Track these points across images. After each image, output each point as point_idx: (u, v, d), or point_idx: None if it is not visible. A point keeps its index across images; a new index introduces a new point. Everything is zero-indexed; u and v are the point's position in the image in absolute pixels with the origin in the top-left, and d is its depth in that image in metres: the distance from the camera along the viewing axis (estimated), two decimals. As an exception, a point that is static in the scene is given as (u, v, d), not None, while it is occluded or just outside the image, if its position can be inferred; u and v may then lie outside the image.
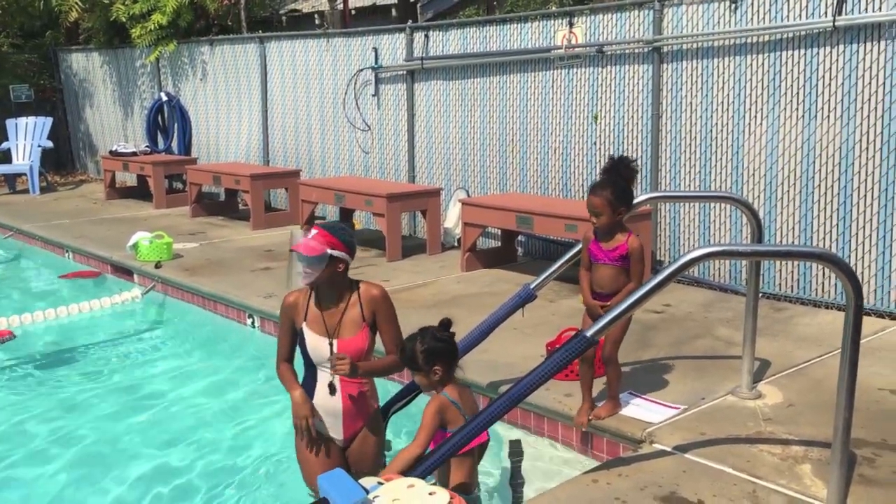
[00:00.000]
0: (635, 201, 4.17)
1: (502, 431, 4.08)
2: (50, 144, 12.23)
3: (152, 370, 5.43)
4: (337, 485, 2.41)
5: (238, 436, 4.39)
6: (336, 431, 3.39)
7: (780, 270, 5.82)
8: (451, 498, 2.45)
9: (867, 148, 5.32)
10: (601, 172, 3.85)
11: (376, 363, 3.43)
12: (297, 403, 3.33)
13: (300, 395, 3.35)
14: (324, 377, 3.34)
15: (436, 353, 3.11)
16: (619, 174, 3.65)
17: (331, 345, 3.32)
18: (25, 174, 11.98)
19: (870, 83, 5.27)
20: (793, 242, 5.70)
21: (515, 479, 3.77)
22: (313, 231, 3.29)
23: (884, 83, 5.21)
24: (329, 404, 3.36)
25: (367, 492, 2.44)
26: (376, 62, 8.52)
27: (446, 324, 3.16)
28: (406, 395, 3.95)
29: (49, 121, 12.35)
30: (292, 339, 3.45)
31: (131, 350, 5.85)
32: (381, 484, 2.55)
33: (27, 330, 6.14)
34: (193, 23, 11.18)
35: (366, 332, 3.36)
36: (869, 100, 5.28)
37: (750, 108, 5.85)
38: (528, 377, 3.11)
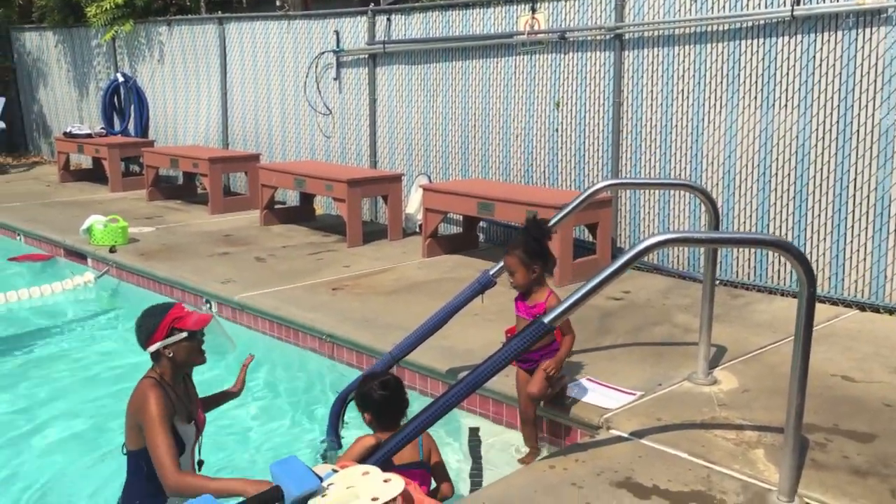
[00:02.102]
0: (594, 188, 4.19)
1: (461, 419, 4.08)
2: (2, 125, 11.92)
3: (106, 354, 5.32)
4: (290, 472, 2.37)
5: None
6: None
7: (738, 258, 5.88)
8: (406, 484, 2.43)
9: (823, 137, 5.39)
10: (519, 232, 3.90)
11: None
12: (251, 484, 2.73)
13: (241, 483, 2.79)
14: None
15: (367, 404, 3.15)
16: (530, 234, 3.69)
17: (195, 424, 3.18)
18: (-24, 155, 11.67)
19: (826, 73, 5.33)
20: (750, 230, 5.76)
21: (475, 466, 3.77)
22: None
23: (840, 73, 5.27)
24: None
25: (321, 479, 2.41)
26: (338, 45, 8.43)
27: (388, 383, 3.17)
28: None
29: (1, 101, 12.03)
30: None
31: (84, 335, 5.73)
32: (335, 471, 2.52)
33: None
34: (151, 2, 10.95)
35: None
36: (825, 89, 5.34)
37: (710, 97, 5.89)
38: (486, 363, 3.10)
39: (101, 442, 4.06)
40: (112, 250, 6.91)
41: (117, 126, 11.43)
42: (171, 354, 3.01)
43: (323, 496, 2.35)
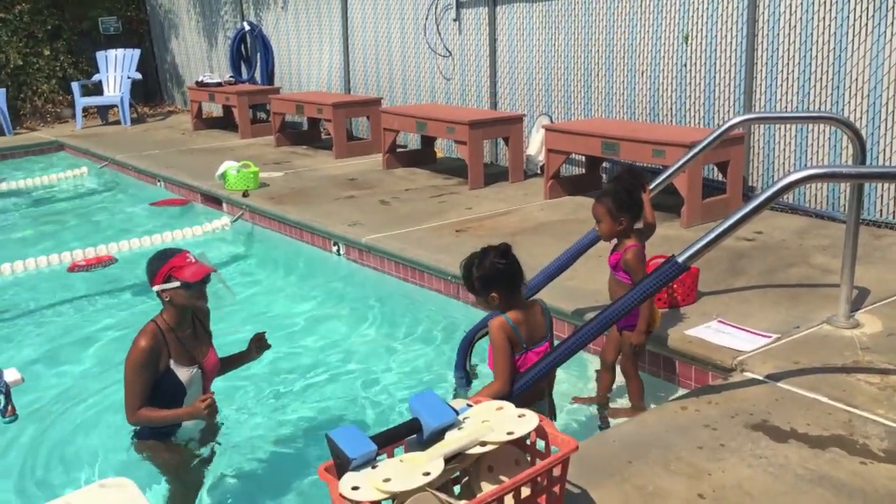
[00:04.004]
0: (728, 124, 4.04)
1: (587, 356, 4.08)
2: (139, 76, 12.51)
3: (246, 295, 5.60)
4: (428, 405, 2.44)
5: (328, 351, 4.53)
6: None
7: (882, 195, 5.54)
8: (540, 420, 2.46)
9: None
10: (609, 181, 3.77)
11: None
12: (194, 409, 3.12)
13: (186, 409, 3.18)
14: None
15: (492, 280, 3.03)
16: (622, 184, 3.60)
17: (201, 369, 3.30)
18: (117, 106, 12.32)
19: None
20: (896, 166, 5.41)
21: (604, 409, 3.79)
22: (193, 253, 3.25)
23: None
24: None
25: (458, 413, 2.47)
26: (457, -15, 8.35)
27: (504, 250, 3.05)
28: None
29: (137, 52, 12.60)
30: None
31: (224, 276, 6.03)
32: (470, 406, 2.57)
33: (124, 256, 6.39)
34: (273, -50, 11.14)
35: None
36: None
37: (855, 22, 5.51)
38: (617, 303, 3.08)
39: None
40: (245, 195, 7.21)
41: (245, 74, 11.80)
42: (168, 299, 3.18)
43: (459, 429, 2.41)
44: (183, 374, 3.21)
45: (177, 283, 3.14)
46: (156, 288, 3.19)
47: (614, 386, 3.90)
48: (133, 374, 3.12)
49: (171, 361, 3.19)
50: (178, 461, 3.31)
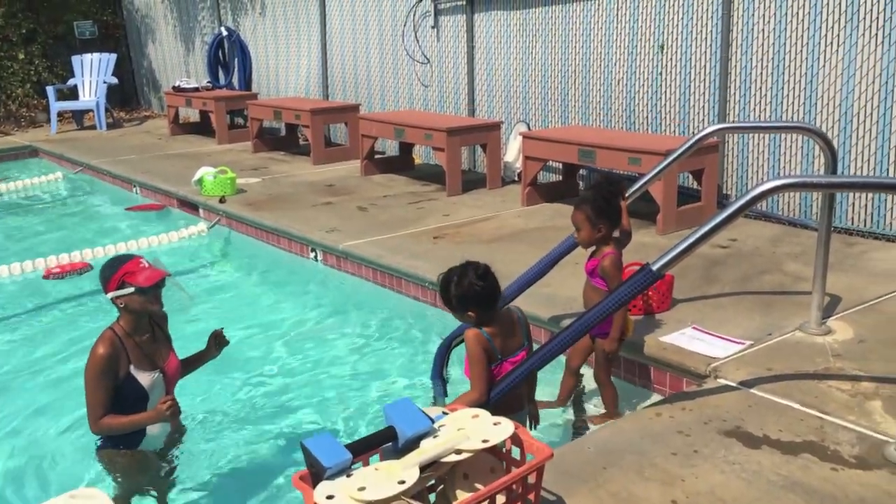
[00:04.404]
0: (703, 133, 4.08)
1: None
2: (115, 81, 12.42)
3: (222, 300, 5.57)
4: (403, 413, 2.44)
5: (303, 358, 4.51)
6: None
7: (854, 203, 5.63)
8: (516, 427, 2.48)
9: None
10: (587, 188, 3.88)
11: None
12: (156, 412, 3.13)
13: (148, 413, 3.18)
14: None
15: (469, 300, 3.03)
16: (601, 192, 3.63)
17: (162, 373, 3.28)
18: (92, 110, 12.22)
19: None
20: (867, 175, 5.49)
21: (578, 412, 3.81)
22: (147, 258, 3.25)
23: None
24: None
25: (433, 421, 2.48)
26: (435, -8, 8.38)
27: (483, 272, 3.04)
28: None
29: (113, 57, 12.51)
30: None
31: (200, 281, 6.01)
32: (445, 413, 2.58)
33: (99, 262, 6.29)
34: (252, -45, 11.12)
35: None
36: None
37: (826, 34, 5.59)
38: (593, 310, 3.10)
39: (212, 378, 4.27)
40: (222, 200, 7.18)
41: (222, 79, 11.75)
42: (123, 305, 3.16)
43: (435, 437, 2.41)
44: (144, 378, 3.18)
45: (131, 289, 3.12)
46: (110, 295, 3.16)
47: (587, 392, 3.93)
48: (93, 382, 3.09)
49: (131, 367, 3.16)
50: (138, 469, 3.28)
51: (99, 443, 3.27)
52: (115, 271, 3.15)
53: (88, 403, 3.11)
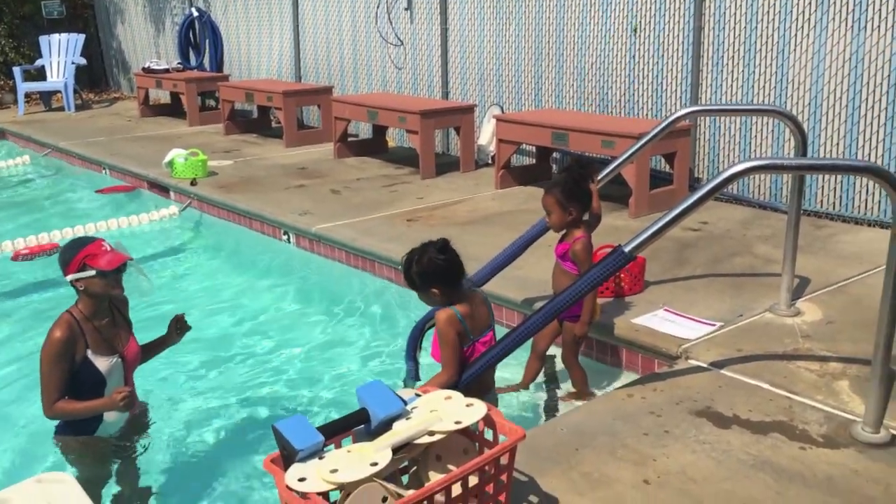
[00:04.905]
0: (676, 115, 4.09)
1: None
2: (83, 61, 12.21)
3: (193, 283, 5.52)
4: (375, 395, 2.44)
5: (276, 340, 4.49)
6: None
7: (823, 187, 5.69)
8: (489, 409, 2.48)
9: (920, 59, 5.11)
10: (559, 171, 3.85)
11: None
12: (111, 400, 3.05)
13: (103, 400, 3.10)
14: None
15: (431, 275, 3.00)
16: (571, 175, 3.62)
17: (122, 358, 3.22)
18: (60, 91, 12.01)
19: (926, -10, 5.02)
20: (837, 158, 5.55)
21: (551, 393, 3.83)
22: (109, 241, 3.19)
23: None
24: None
25: (406, 403, 2.47)
26: (409, -27, 8.31)
27: (442, 246, 3.02)
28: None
29: (82, 37, 12.29)
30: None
31: (172, 264, 5.96)
32: (418, 395, 2.58)
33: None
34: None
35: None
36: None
37: (797, 18, 5.63)
38: (564, 293, 3.11)
39: (183, 360, 4.24)
40: (193, 183, 7.10)
41: (193, 61, 11.59)
42: (83, 288, 3.10)
43: (407, 419, 2.41)
44: (102, 363, 3.13)
45: (92, 272, 3.05)
46: (69, 277, 3.09)
47: (558, 374, 3.94)
48: (48, 366, 3.03)
49: (88, 351, 3.10)
50: (93, 456, 3.22)
51: (56, 428, 3.22)
52: (76, 253, 3.08)
53: (43, 386, 3.05)
